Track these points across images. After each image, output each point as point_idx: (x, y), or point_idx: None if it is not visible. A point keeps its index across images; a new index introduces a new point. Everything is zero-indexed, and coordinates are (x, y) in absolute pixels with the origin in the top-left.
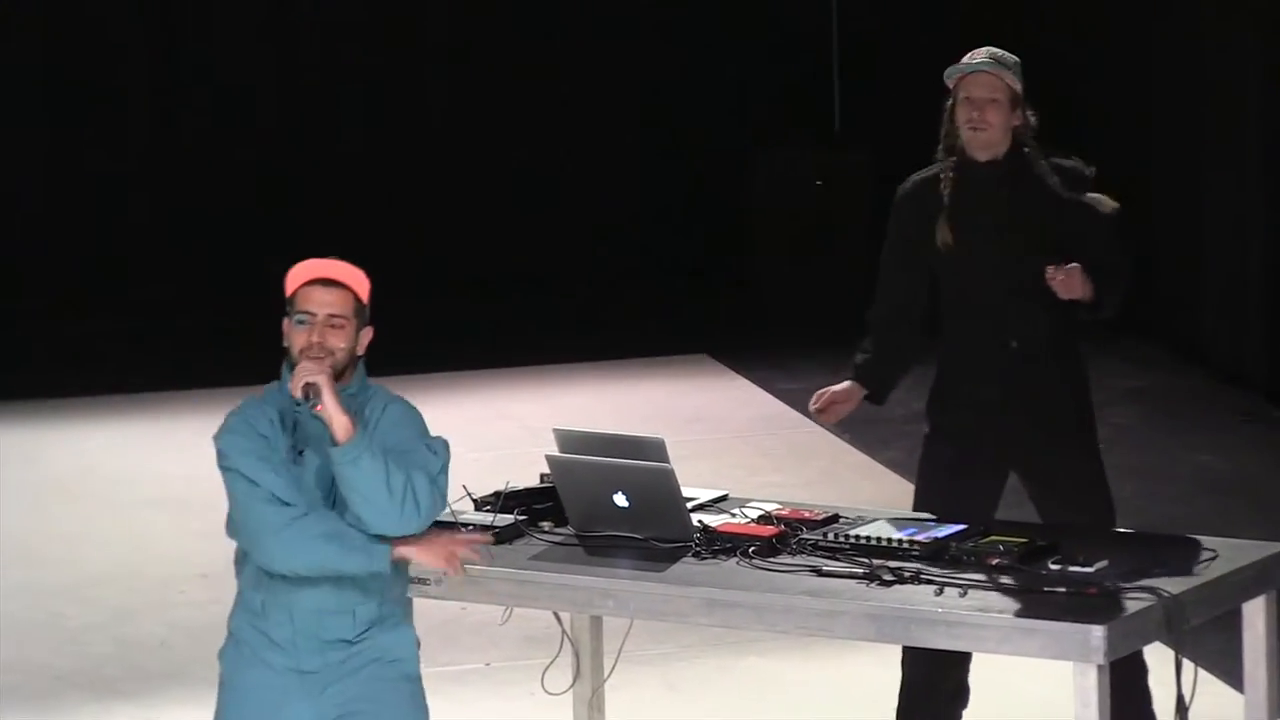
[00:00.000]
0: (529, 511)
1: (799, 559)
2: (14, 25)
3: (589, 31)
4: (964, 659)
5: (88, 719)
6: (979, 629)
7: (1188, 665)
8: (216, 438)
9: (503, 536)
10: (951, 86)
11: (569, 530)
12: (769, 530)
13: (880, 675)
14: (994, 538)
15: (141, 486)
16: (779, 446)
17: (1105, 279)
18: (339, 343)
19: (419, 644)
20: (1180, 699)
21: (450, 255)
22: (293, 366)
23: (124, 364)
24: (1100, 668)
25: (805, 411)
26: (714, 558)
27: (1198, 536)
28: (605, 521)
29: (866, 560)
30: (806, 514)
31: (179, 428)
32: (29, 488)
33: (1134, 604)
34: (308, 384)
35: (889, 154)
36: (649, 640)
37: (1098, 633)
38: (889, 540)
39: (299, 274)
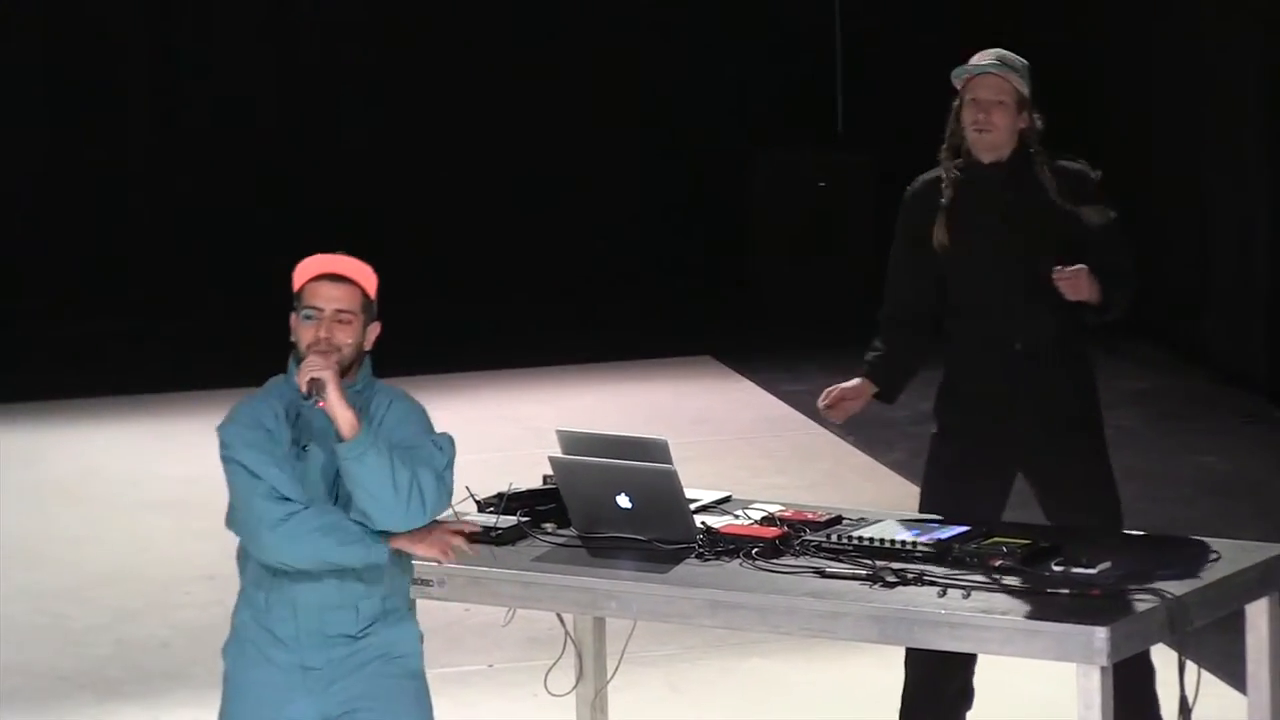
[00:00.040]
0: (532, 513)
1: (802, 560)
2: (14, 25)
3: (591, 31)
4: (969, 661)
5: None
6: (982, 630)
7: (1191, 667)
8: (220, 427)
9: (506, 538)
10: (959, 87)
11: (572, 531)
12: (772, 532)
13: (883, 677)
14: (997, 539)
15: (142, 488)
16: (782, 448)
17: (1111, 280)
18: (346, 338)
19: (422, 638)
20: (1183, 700)
21: (453, 256)
22: (300, 361)
23: (124, 365)
24: (1103, 669)
25: (808, 413)
26: (717, 559)
27: (1200, 538)
28: (608, 523)
29: (870, 562)
30: (809, 515)
31: (179, 429)
32: (30, 489)
33: (1137, 605)
34: (313, 379)
35: (891, 154)
36: (652, 642)
37: (1101, 634)
38: (892, 542)
39: (307, 269)
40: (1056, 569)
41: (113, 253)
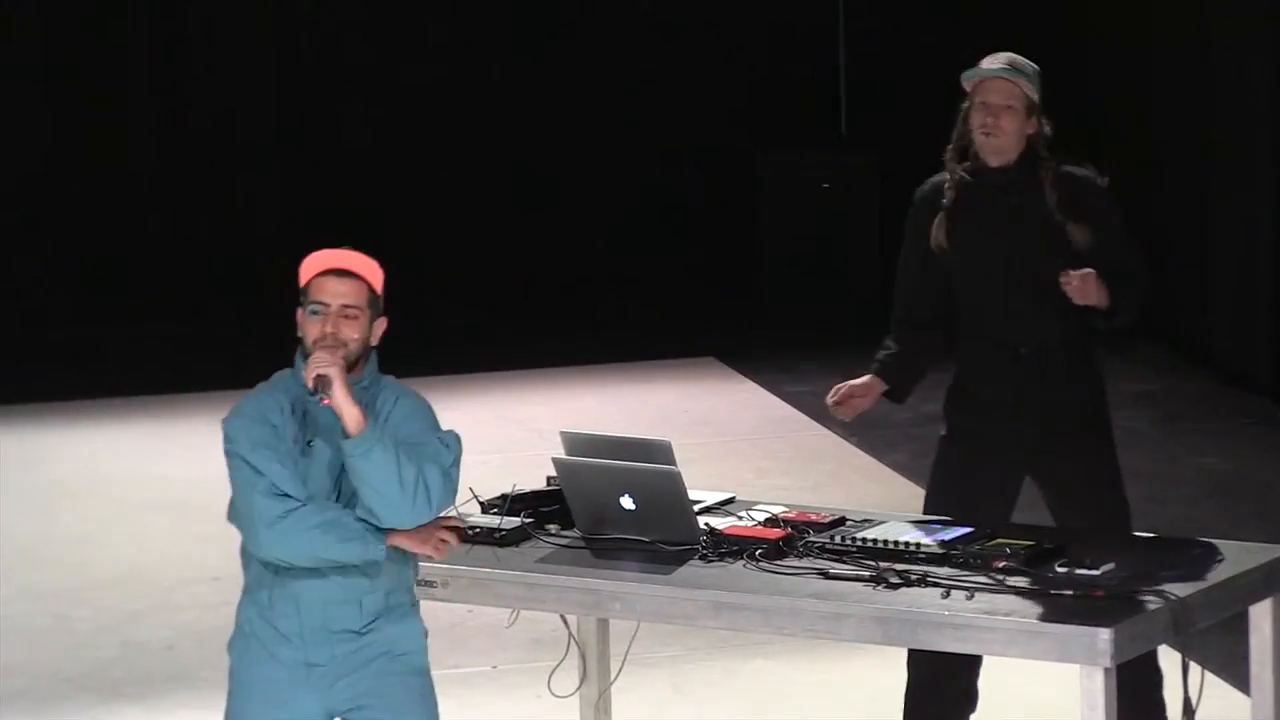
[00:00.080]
0: (536, 514)
1: (806, 562)
2: (14, 25)
3: (592, 31)
4: (973, 662)
5: None
6: (985, 632)
7: (1194, 668)
8: (225, 421)
9: (509, 539)
10: (969, 89)
11: (576, 533)
12: (776, 533)
13: (887, 678)
14: (1001, 540)
15: (145, 489)
16: (786, 449)
17: (1119, 284)
18: (352, 333)
19: (427, 634)
20: (1187, 702)
21: (454, 257)
22: (307, 356)
23: (124, 365)
24: (1107, 670)
25: (812, 414)
26: (721, 560)
27: (1204, 539)
28: (612, 524)
29: (873, 563)
30: (813, 516)
31: (181, 430)
32: (32, 491)
33: (1141, 607)
34: (319, 375)
35: (895, 156)
36: (656, 643)
37: (1104, 635)
38: (896, 543)
39: (313, 264)
40: (1060, 570)
41: (114, 253)
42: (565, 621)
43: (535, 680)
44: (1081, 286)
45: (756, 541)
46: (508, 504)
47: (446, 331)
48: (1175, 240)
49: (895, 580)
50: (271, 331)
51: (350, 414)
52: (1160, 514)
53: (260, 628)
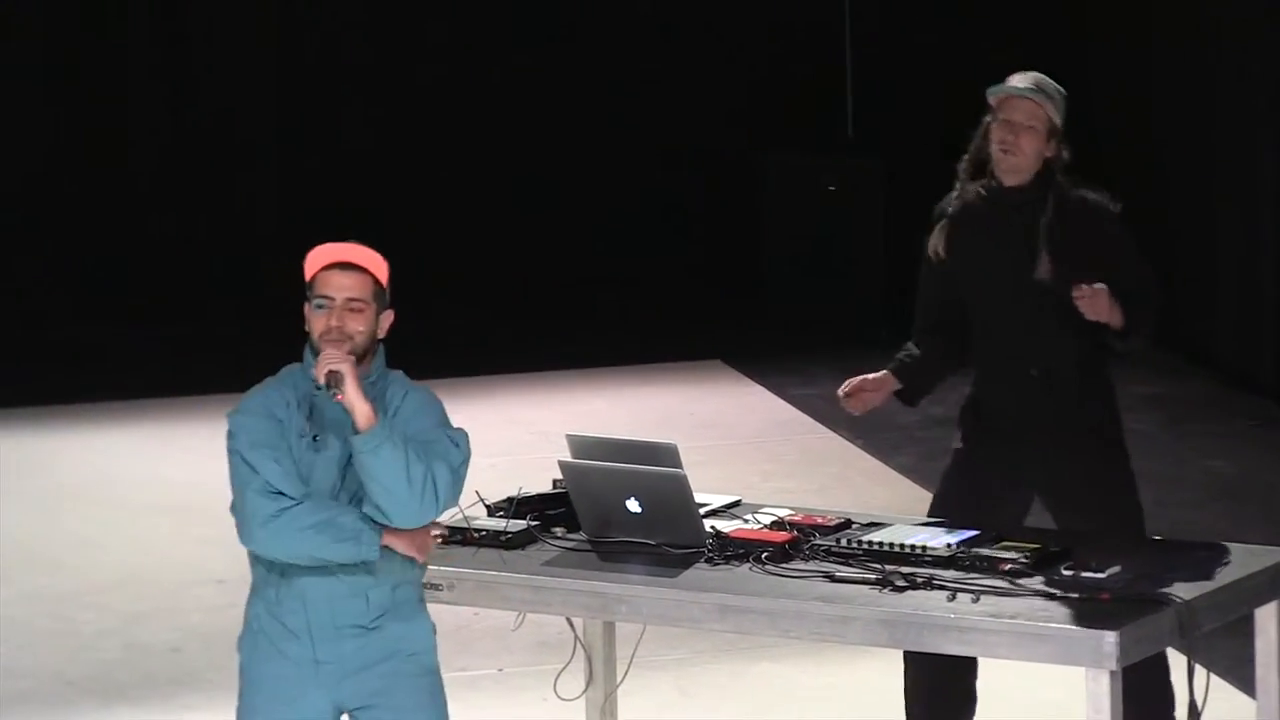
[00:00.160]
0: (542, 517)
1: (811, 565)
2: (14, 25)
3: (595, 32)
4: (970, 666)
5: None
6: (991, 634)
7: (1200, 671)
8: (230, 414)
9: (515, 542)
10: (993, 104)
11: (582, 536)
12: (782, 536)
13: (893, 681)
14: (1006, 543)
15: (149, 492)
16: (792, 452)
17: (1133, 305)
18: (358, 326)
19: (435, 631)
20: (1193, 705)
21: (455, 258)
22: (315, 350)
23: (126, 368)
24: (1113, 673)
25: (818, 417)
26: (727, 563)
27: (1210, 542)
28: (618, 527)
29: (879, 566)
30: (819, 519)
31: (183, 433)
32: (34, 494)
33: (1146, 609)
34: (331, 371)
35: (901, 158)
36: (662, 646)
37: (1110, 638)
38: (902, 546)
39: (317, 258)
40: (1066, 573)
41: (114, 253)
42: (571, 624)
43: (541, 683)
44: (1093, 301)
45: (762, 544)
46: (514, 507)
47: (447, 333)
48: (1178, 242)
49: (901, 583)
50: (272, 332)
51: (361, 410)
52: (1165, 517)
53: (268, 624)
